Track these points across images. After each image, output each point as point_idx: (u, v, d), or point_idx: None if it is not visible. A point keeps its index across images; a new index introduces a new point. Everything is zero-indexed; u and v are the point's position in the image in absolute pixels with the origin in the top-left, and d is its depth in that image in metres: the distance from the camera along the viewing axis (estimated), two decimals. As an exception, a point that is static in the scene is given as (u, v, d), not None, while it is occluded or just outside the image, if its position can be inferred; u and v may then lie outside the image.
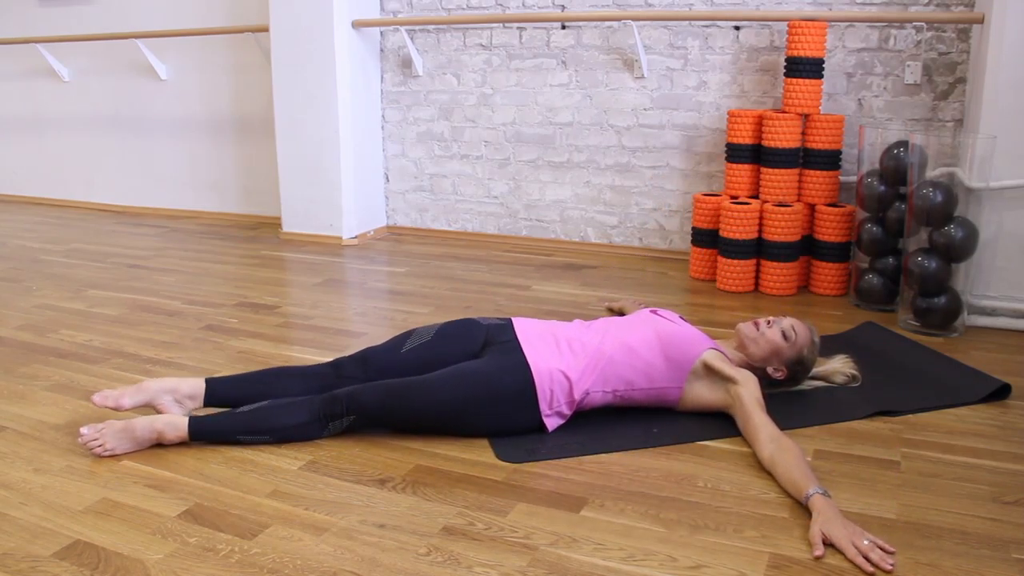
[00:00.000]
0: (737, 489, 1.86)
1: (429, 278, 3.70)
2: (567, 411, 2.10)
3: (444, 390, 2.03)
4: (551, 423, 2.09)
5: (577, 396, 2.09)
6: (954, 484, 1.88)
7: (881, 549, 1.55)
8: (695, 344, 2.14)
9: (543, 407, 2.06)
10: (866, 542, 1.56)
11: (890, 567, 1.52)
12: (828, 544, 1.60)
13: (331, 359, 2.28)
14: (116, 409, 2.09)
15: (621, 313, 3.00)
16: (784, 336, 2.19)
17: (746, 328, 2.23)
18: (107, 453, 2.00)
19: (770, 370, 2.21)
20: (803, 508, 1.74)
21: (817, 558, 1.55)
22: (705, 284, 3.61)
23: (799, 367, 2.25)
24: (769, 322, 2.22)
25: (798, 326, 2.23)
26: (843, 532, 1.59)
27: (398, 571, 1.57)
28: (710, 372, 2.13)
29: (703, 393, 2.14)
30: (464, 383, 2.04)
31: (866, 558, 1.53)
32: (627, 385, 2.12)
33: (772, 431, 1.93)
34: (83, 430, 2.00)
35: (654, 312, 2.30)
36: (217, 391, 2.15)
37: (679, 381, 2.14)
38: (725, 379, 2.10)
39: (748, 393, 2.04)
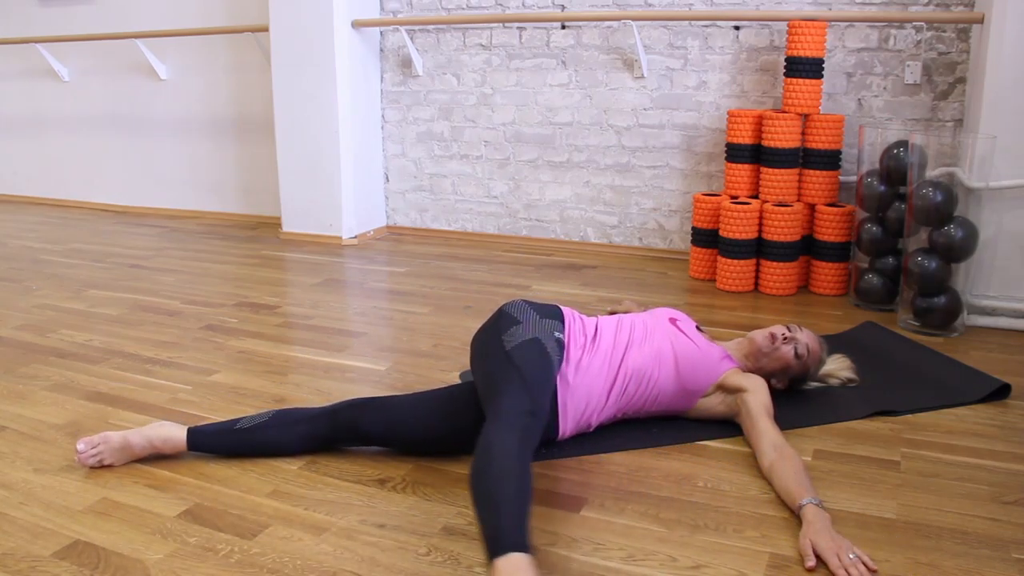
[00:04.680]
0: (737, 489, 1.86)
1: (429, 278, 3.70)
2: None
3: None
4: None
5: (592, 428, 2.10)
6: (954, 484, 1.88)
7: (864, 566, 1.54)
8: (711, 372, 2.12)
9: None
10: (852, 556, 1.55)
11: None
12: (816, 555, 1.59)
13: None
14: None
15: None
16: (796, 355, 2.20)
17: (761, 341, 2.20)
18: (104, 465, 1.97)
19: (772, 381, 2.22)
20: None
21: (810, 570, 1.55)
22: (705, 284, 3.61)
23: (800, 381, 2.29)
24: (786, 337, 2.19)
25: (812, 344, 2.23)
26: (830, 544, 1.58)
27: (398, 571, 1.57)
28: (721, 388, 2.12)
29: (712, 406, 2.13)
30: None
31: (847, 572, 1.52)
32: (636, 412, 2.13)
33: (775, 439, 1.92)
34: (80, 447, 1.94)
35: (673, 322, 2.21)
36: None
37: (689, 405, 2.15)
38: (736, 390, 2.09)
39: (756, 400, 2.03)
